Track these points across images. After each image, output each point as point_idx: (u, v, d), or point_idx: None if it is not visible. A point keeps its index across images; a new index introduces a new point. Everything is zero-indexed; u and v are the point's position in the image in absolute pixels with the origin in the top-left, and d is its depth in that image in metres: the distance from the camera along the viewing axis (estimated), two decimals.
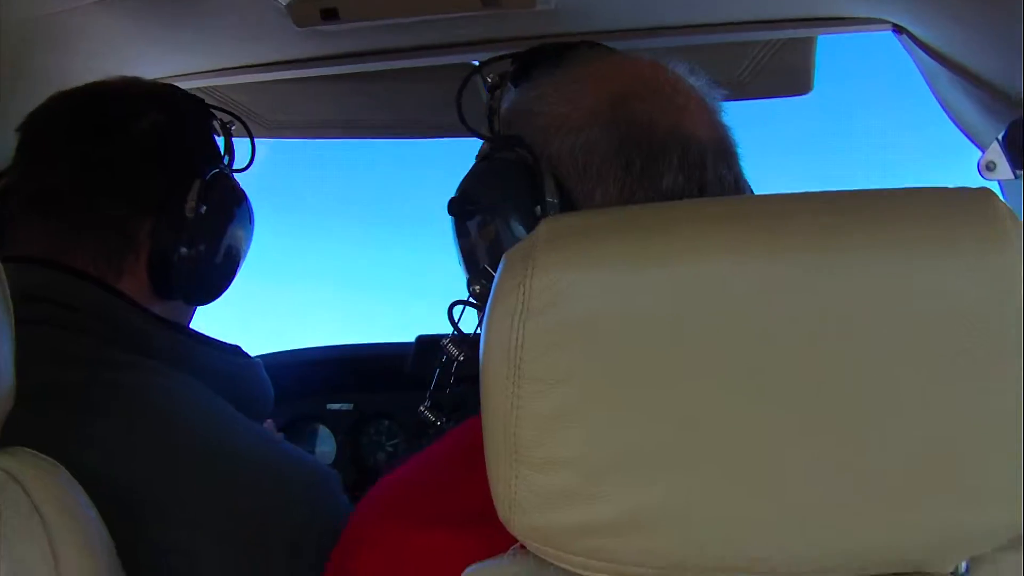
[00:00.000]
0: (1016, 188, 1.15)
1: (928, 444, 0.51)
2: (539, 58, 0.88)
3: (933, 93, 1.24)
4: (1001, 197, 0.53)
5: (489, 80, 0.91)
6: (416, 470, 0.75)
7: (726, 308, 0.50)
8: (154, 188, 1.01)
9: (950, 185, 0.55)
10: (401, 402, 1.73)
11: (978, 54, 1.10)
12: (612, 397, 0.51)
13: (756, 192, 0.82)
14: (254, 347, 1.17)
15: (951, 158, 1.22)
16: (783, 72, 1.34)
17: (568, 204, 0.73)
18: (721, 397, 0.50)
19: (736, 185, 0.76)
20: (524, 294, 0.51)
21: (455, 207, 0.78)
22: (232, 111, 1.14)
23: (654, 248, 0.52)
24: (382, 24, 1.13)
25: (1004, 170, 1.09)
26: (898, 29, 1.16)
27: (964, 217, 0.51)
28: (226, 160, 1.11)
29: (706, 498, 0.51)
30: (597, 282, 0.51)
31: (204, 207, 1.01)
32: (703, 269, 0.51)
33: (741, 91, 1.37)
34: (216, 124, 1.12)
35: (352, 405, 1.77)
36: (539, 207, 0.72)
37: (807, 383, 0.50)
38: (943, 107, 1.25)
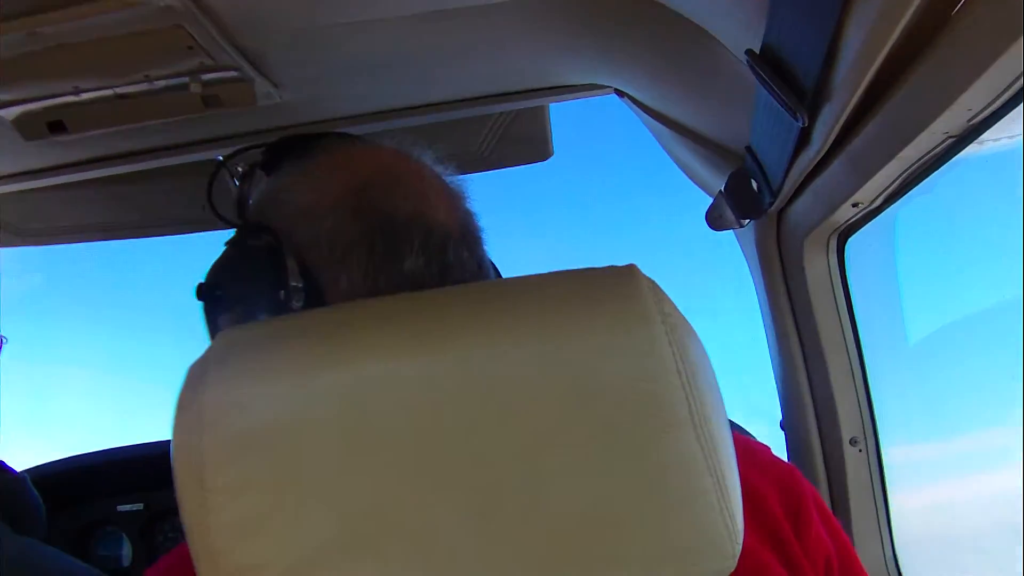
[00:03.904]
0: (747, 236, 1.26)
1: (600, 512, 0.54)
2: (287, 149, 0.90)
3: (662, 149, 1.34)
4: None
5: (240, 170, 0.93)
6: (164, 569, 0.75)
7: (388, 405, 0.54)
8: None
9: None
10: None
11: (695, 111, 1.21)
12: (292, 501, 0.53)
13: (502, 270, 0.88)
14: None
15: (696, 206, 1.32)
16: (521, 141, 1.42)
17: (314, 288, 0.75)
18: (395, 489, 0.54)
19: (479, 266, 0.81)
20: (199, 408, 0.54)
21: (201, 292, 0.80)
22: None
23: (316, 356, 0.56)
24: (111, 131, 1.13)
25: (730, 220, 1.19)
26: (619, 93, 1.25)
27: (606, 296, 0.58)
28: None
29: None
30: (266, 391, 0.54)
31: None
32: (364, 371, 0.55)
33: (484, 162, 1.43)
34: None
35: (143, 505, 1.79)
36: (283, 291, 0.74)
37: (475, 464, 0.54)
38: (672, 160, 1.35)
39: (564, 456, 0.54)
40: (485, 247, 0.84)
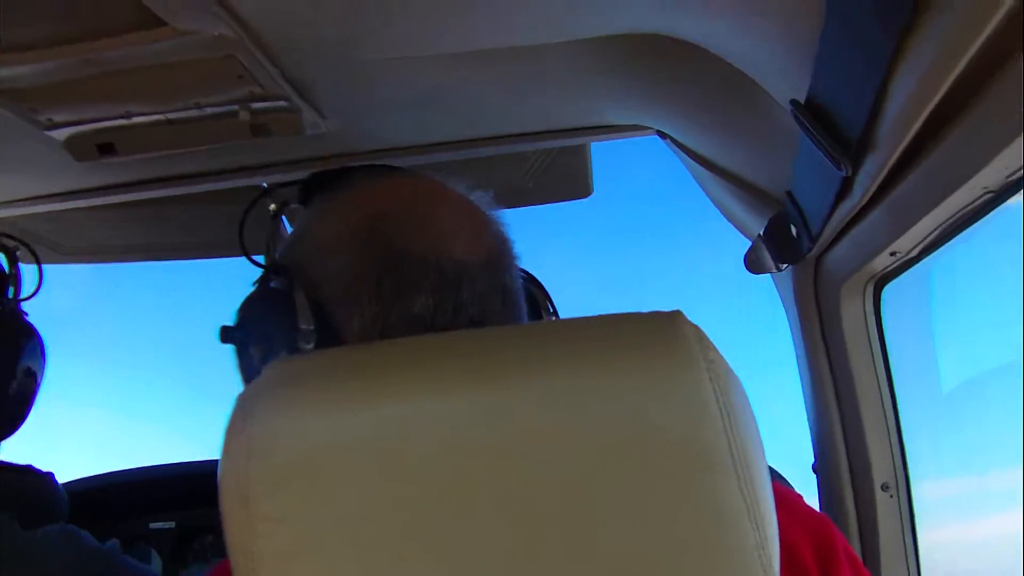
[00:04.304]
0: (785, 280, 1.27)
1: (639, 559, 0.55)
2: (318, 183, 0.91)
3: (702, 190, 1.36)
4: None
5: (272, 207, 0.93)
6: None
7: (435, 441, 0.55)
8: None
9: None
10: None
11: (737, 156, 1.23)
12: (337, 531, 0.54)
13: (551, 295, 0.90)
14: None
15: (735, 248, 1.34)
16: (562, 178, 1.44)
17: (328, 329, 0.75)
18: (436, 528, 0.54)
19: (504, 298, 0.79)
20: (247, 436, 0.55)
21: (222, 335, 0.81)
22: (20, 239, 1.11)
23: (360, 390, 0.57)
24: (160, 155, 1.16)
25: (768, 264, 1.20)
26: (662, 135, 1.27)
27: (652, 341, 0.58)
28: (11, 291, 1.08)
29: None
30: (311, 424, 0.55)
31: None
32: (412, 407, 0.55)
33: (524, 198, 1.45)
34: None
35: (174, 523, 1.81)
36: (294, 333, 0.75)
37: (517, 507, 0.55)
38: (713, 203, 1.37)
39: (605, 500, 0.55)
40: (515, 274, 0.83)
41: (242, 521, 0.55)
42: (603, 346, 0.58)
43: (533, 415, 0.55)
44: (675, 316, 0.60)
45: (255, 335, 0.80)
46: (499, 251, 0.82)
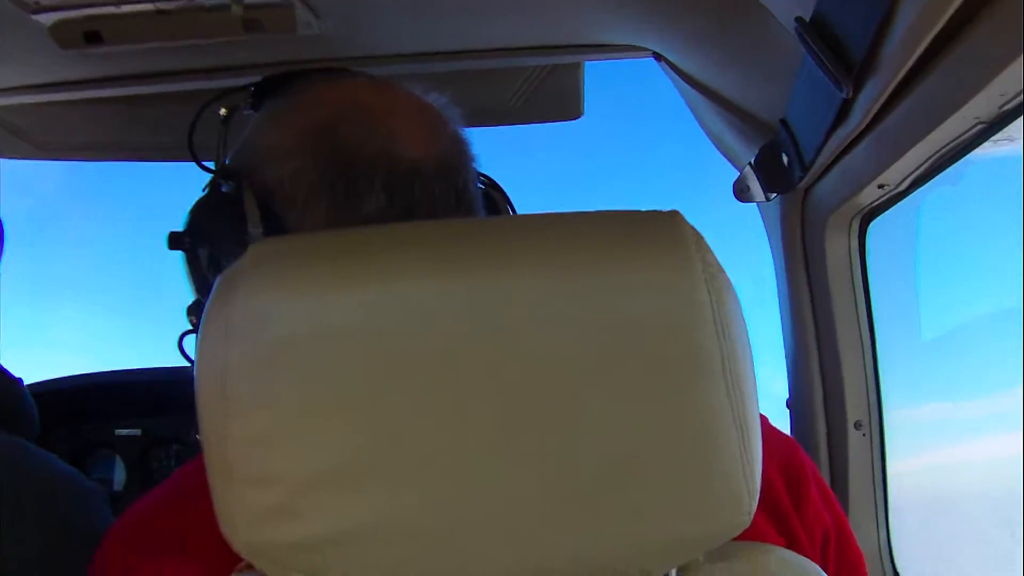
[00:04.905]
0: (772, 211, 1.27)
1: (622, 454, 0.55)
2: (271, 87, 0.89)
3: (694, 117, 1.35)
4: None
5: (223, 111, 0.91)
6: (154, 498, 0.74)
7: (419, 328, 0.54)
8: None
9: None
10: (190, 426, 1.73)
11: (733, 81, 1.22)
12: (316, 416, 0.54)
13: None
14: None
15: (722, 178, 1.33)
16: (553, 97, 1.42)
17: (278, 232, 0.75)
18: (420, 414, 0.54)
19: (457, 199, 0.79)
20: (228, 318, 0.54)
21: (170, 241, 0.80)
22: None
23: (349, 272, 0.56)
24: (147, 48, 1.13)
25: (757, 192, 1.20)
26: (658, 57, 1.25)
27: (649, 238, 0.58)
28: None
29: (411, 512, 0.54)
30: (296, 306, 0.54)
31: None
32: (398, 290, 0.54)
33: (514, 116, 1.44)
34: None
35: (140, 431, 1.79)
36: (243, 239, 0.74)
37: (502, 397, 0.54)
38: (704, 130, 1.35)
39: (593, 393, 0.54)
40: (471, 175, 0.82)
41: (218, 404, 0.54)
42: (599, 240, 0.57)
43: (525, 305, 0.54)
44: (674, 216, 0.59)
45: (203, 240, 0.79)
46: (454, 151, 0.81)
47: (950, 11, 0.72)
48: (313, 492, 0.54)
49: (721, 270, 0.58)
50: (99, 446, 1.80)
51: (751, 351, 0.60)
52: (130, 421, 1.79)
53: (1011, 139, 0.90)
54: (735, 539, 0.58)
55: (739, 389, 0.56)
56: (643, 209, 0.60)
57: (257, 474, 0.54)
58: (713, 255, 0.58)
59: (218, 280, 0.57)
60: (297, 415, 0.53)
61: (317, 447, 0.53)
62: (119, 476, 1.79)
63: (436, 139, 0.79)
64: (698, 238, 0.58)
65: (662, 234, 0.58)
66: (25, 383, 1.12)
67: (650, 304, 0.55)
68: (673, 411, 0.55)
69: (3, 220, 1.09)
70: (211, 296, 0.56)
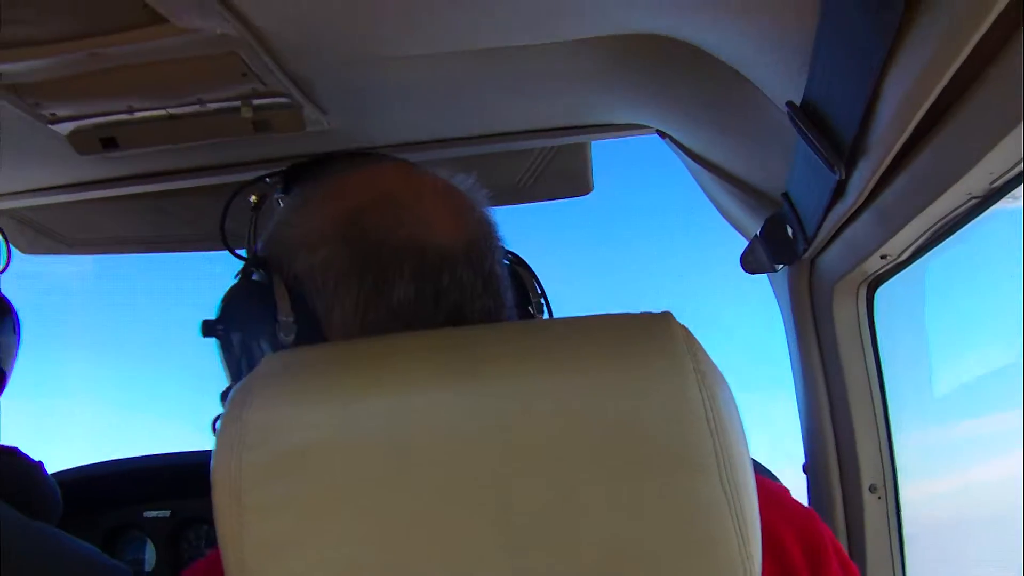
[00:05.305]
0: (780, 280, 1.29)
1: (622, 550, 0.57)
2: (297, 174, 0.91)
3: (701, 190, 1.37)
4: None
5: (253, 199, 0.95)
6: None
7: (426, 436, 0.56)
8: None
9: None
10: None
11: (735, 156, 1.25)
12: (326, 524, 0.56)
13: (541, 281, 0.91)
14: None
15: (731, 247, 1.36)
16: (562, 175, 1.46)
17: (309, 320, 0.76)
18: (428, 516, 0.56)
19: (485, 285, 0.79)
20: (241, 428, 0.57)
21: (203, 328, 0.81)
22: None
23: (358, 383, 0.58)
24: (163, 149, 1.17)
25: (764, 263, 1.22)
26: (661, 134, 1.28)
27: (641, 342, 0.60)
28: None
29: None
30: (306, 416, 0.57)
31: None
32: (403, 401, 0.57)
33: (524, 195, 1.47)
34: None
35: (169, 512, 1.82)
36: (274, 326, 0.75)
37: (506, 495, 0.56)
38: (711, 202, 1.38)
39: (593, 493, 0.56)
40: (498, 257, 0.82)
41: (233, 511, 0.56)
42: (593, 345, 0.60)
43: (524, 411, 0.57)
44: (665, 317, 0.62)
45: (236, 327, 0.80)
46: (481, 234, 0.81)
47: (935, 94, 0.74)
48: None
49: (712, 366, 0.60)
50: (128, 528, 1.83)
51: (746, 442, 0.61)
52: (159, 503, 1.83)
53: (1015, 197, 0.92)
54: None
55: (735, 482, 0.58)
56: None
57: None
58: (704, 352, 0.60)
59: (234, 389, 0.60)
60: (309, 523, 0.55)
61: (331, 554, 0.55)
62: (148, 556, 1.83)
63: (464, 224, 0.80)
64: (689, 337, 0.60)
65: (653, 336, 0.60)
66: (48, 470, 1.14)
67: (644, 405, 0.57)
68: (670, 507, 0.57)
69: (17, 313, 1.13)
70: (226, 405, 0.59)
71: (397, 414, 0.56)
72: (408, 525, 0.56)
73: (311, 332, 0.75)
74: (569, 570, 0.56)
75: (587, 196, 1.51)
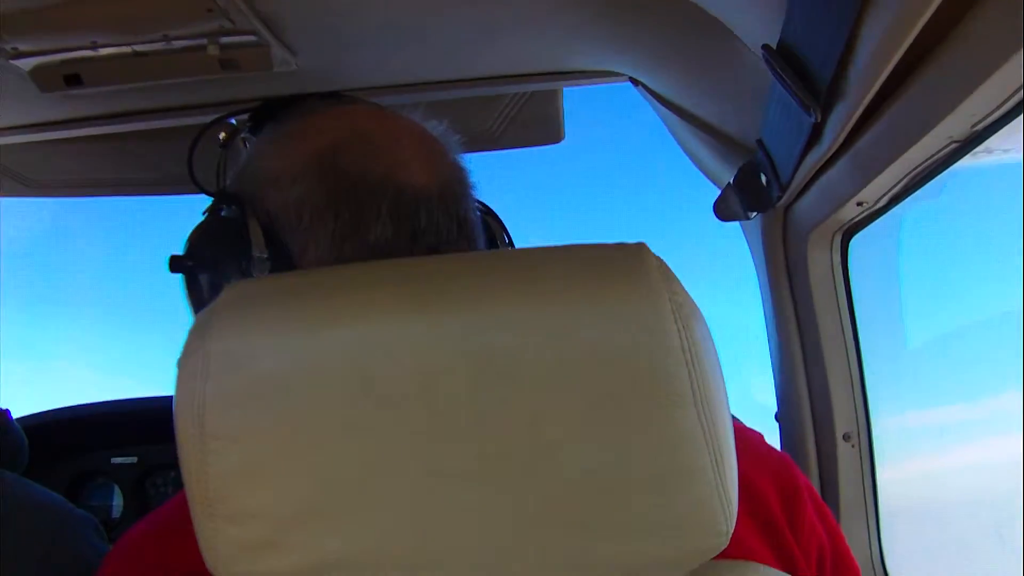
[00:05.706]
0: (754, 229, 1.28)
1: (598, 480, 0.56)
2: (269, 113, 0.90)
3: (673, 138, 1.36)
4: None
5: (222, 136, 0.95)
6: (141, 530, 0.75)
7: (392, 364, 0.55)
8: None
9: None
10: None
11: (708, 103, 1.23)
12: (291, 452, 0.55)
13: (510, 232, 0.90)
14: None
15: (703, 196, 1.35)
16: (533, 123, 1.43)
17: (283, 257, 0.76)
18: (398, 446, 0.55)
19: (459, 227, 0.79)
20: (205, 357, 0.55)
21: (171, 264, 0.80)
22: None
23: (321, 312, 0.57)
24: (128, 88, 1.15)
25: (737, 211, 1.21)
26: (634, 81, 1.26)
27: (615, 271, 0.59)
28: None
29: (392, 542, 0.56)
30: (269, 345, 0.55)
31: None
32: (371, 329, 0.56)
33: (495, 142, 1.45)
34: None
35: (136, 458, 1.82)
36: (246, 262, 0.75)
37: (477, 427, 0.55)
38: (683, 151, 1.36)
39: (565, 424, 0.55)
40: (471, 204, 0.83)
41: (195, 440, 0.55)
42: (566, 274, 0.58)
43: (495, 340, 0.55)
44: (639, 248, 0.60)
45: (206, 264, 0.79)
46: (455, 179, 0.82)
47: (915, 33, 0.73)
48: (294, 526, 0.55)
49: (688, 299, 0.59)
50: (95, 474, 1.82)
51: (722, 376, 0.60)
52: (126, 449, 1.82)
53: (989, 151, 0.91)
54: (724, 557, 0.59)
55: (711, 414, 0.57)
56: (621, 235, 0.61)
57: (237, 509, 0.55)
58: (680, 284, 0.59)
59: (195, 319, 0.58)
60: (275, 451, 0.54)
61: (296, 482, 0.54)
62: (116, 502, 1.82)
63: (438, 167, 0.81)
64: (664, 269, 0.59)
65: (628, 267, 0.59)
66: (14, 415, 1.12)
67: (619, 335, 0.56)
68: (646, 438, 0.56)
69: None
70: (188, 333, 0.57)
71: (363, 342, 0.55)
72: (372, 456, 0.55)
73: (285, 269, 0.75)
74: (540, 499, 0.56)
75: (558, 145, 1.49)
